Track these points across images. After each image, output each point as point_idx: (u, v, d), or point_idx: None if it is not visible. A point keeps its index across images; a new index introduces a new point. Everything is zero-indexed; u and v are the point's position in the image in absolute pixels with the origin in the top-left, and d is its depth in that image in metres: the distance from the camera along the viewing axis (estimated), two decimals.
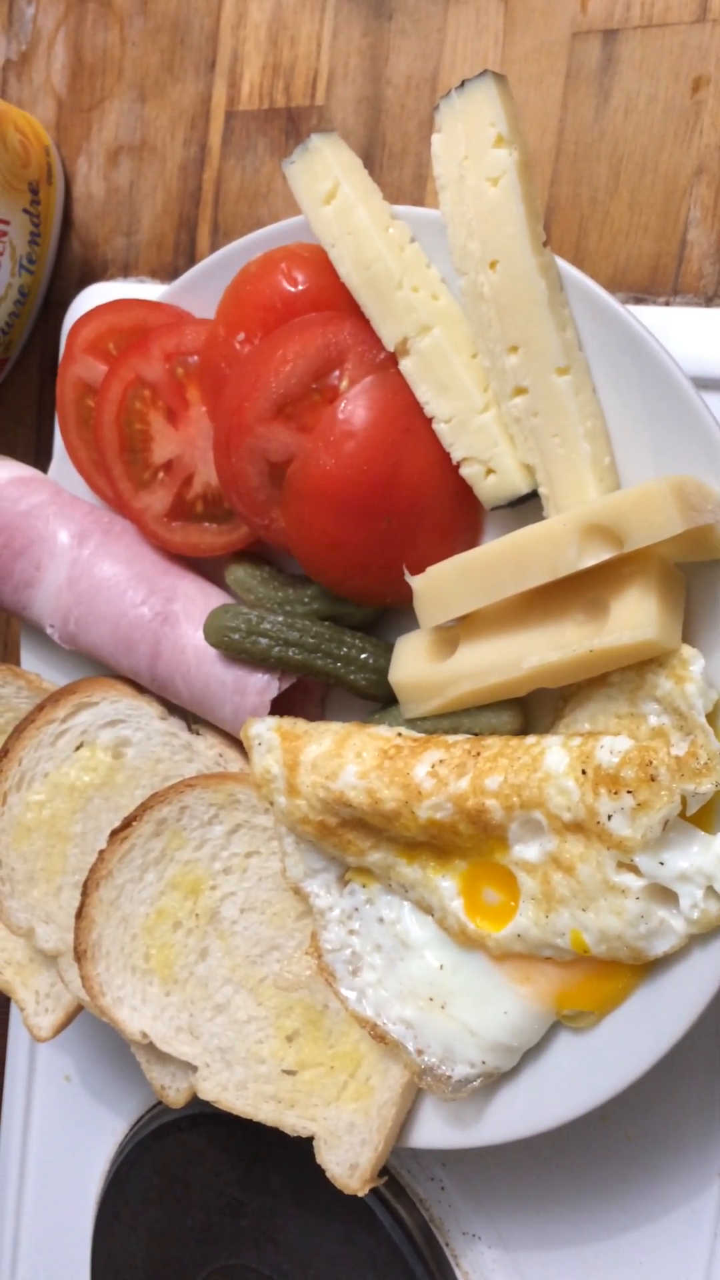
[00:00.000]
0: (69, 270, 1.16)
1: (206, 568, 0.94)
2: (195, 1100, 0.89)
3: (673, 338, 0.78)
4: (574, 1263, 0.88)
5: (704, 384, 0.77)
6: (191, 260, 1.08)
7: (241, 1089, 0.87)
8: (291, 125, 1.00)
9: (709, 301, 0.81)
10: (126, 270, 1.12)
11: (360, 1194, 0.82)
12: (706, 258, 0.81)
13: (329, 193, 0.78)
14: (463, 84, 0.72)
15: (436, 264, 0.78)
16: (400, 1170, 0.94)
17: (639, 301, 0.83)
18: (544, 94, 0.86)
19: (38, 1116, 1.16)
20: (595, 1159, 0.86)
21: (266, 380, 0.80)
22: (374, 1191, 0.91)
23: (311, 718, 0.89)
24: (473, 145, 0.72)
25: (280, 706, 0.88)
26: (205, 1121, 1.00)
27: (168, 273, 1.09)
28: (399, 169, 0.95)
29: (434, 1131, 0.83)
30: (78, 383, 0.93)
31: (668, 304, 0.82)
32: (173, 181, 1.08)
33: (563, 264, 0.73)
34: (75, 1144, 1.13)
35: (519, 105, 0.87)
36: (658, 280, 0.83)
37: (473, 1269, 0.92)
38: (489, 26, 0.89)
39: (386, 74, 0.95)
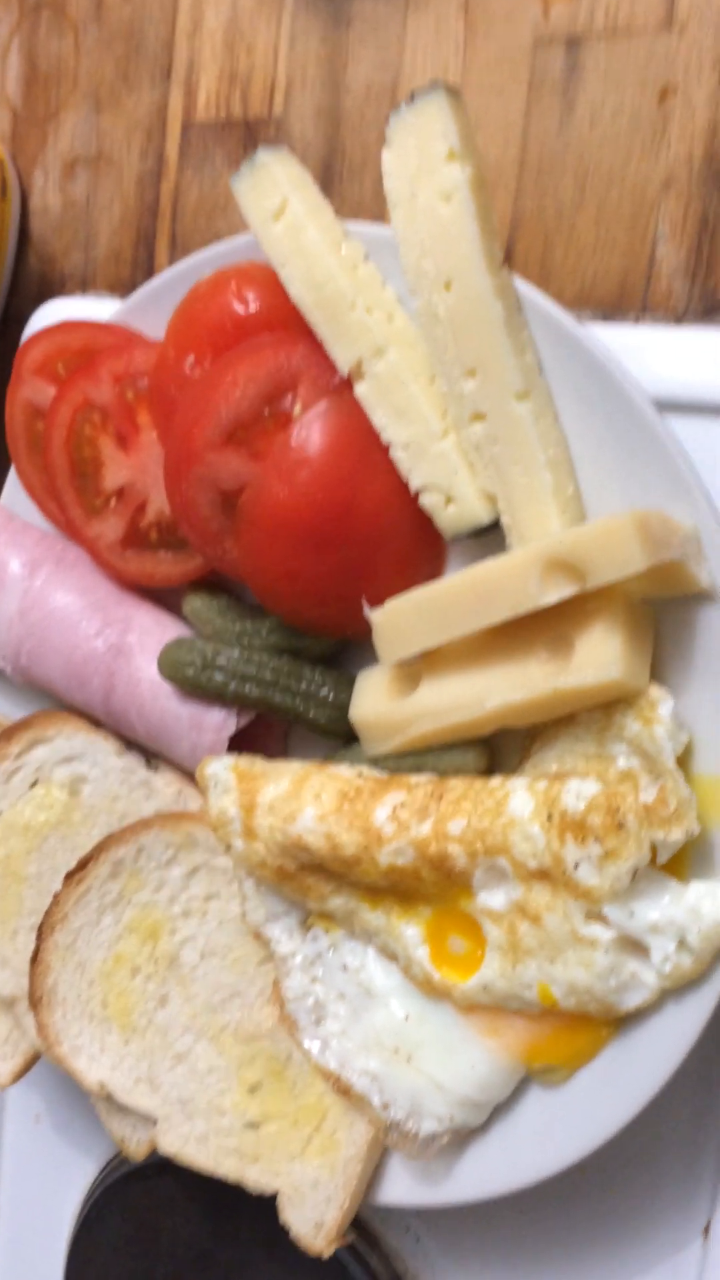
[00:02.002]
0: (27, 285, 1.13)
1: (164, 596, 0.90)
2: None
3: (642, 358, 0.74)
4: None
5: (673, 406, 0.74)
6: (150, 274, 1.04)
7: (203, 1142, 0.83)
8: (249, 136, 0.97)
9: (679, 320, 0.77)
10: (85, 285, 1.09)
11: (325, 1254, 0.79)
12: (676, 274, 0.77)
13: (278, 210, 0.75)
14: (413, 96, 0.69)
15: (392, 283, 0.75)
16: (373, 1221, 0.91)
17: (607, 319, 0.80)
18: (506, 104, 0.83)
19: (7, 1158, 1.13)
20: (575, 1213, 0.83)
21: (216, 405, 0.77)
22: (347, 1245, 0.88)
23: (273, 754, 0.85)
24: (424, 160, 0.69)
25: (241, 742, 0.85)
26: (174, 1169, 0.96)
27: (126, 288, 1.06)
28: (359, 182, 0.91)
29: (402, 1188, 0.80)
30: (27, 406, 0.89)
31: (637, 322, 0.79)
32: (130, 194, 1.04)
33: (522, 285, 0.69)
34: (45, 1187, 1.10)
35: (481, 116, 0.83)
36: (626, 297, 0.80)
37: None
38: (449, 34, 0.85)
39: (346, 83, 0.91)
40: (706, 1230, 0.78)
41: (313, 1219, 0.80)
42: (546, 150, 0.81)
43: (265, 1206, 0.82)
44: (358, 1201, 0.80)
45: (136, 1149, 0.87)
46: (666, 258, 0.78)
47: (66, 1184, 1.08)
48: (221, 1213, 0.96)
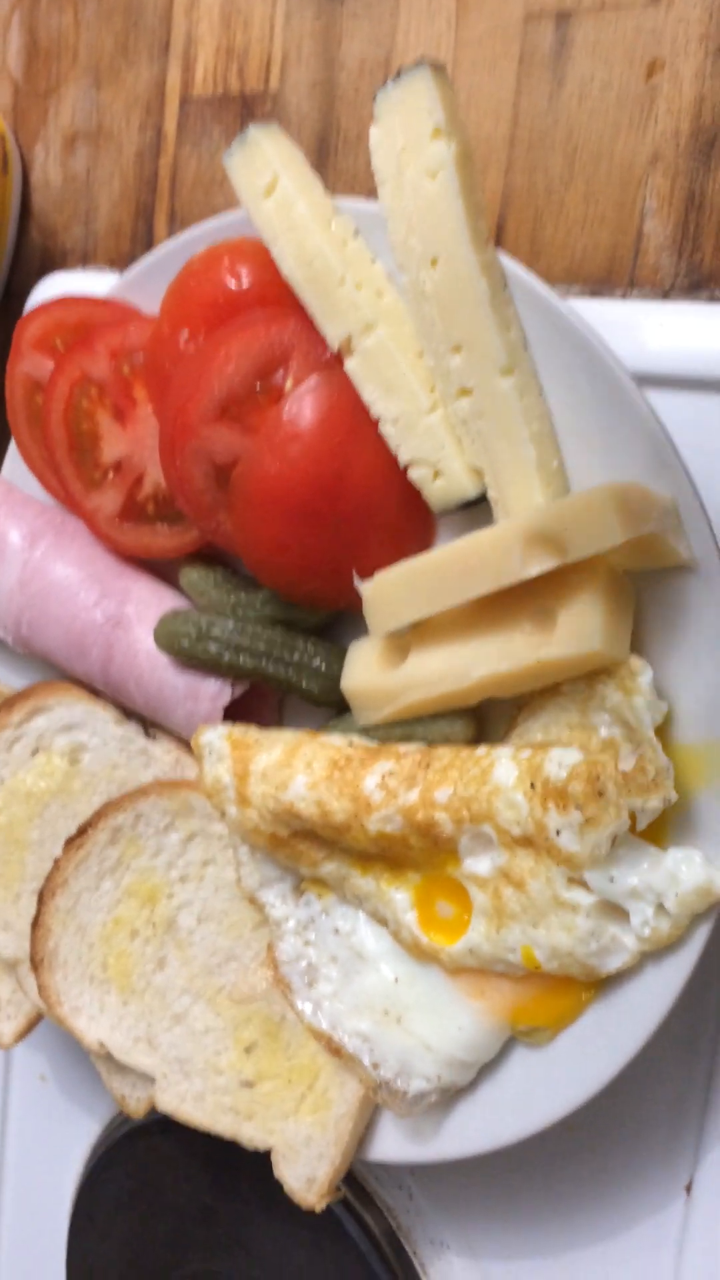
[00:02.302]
0: (29, 259, 1.14)
1: (161, 568, 0.92)
2: None
3: (628, 333, 0.75)
4: (542, 1272, 0.87)
5: (660, 381, 0.75)
6: (149, 249, 1.05)
7: (200, 1101, 0.86)
8: (246, 111, 0.97)
9: (666, 295, 0.78)
10: (85, 260, 1.10)
11: (317, 1209, 0.81)
12: (663, 249, 0.78)
13: (268, 186, 0.75)
14: (399, 73, 0.69)
15: (381, 259, 0.76)
16: (368, 1178, 0.94)
17: (595, 295, 0.80)
18: (497, 79, 0.83)
19: (14, 1117, 1.15)
20: (563, 1170, 0.85)
21: (209, 380, 0.78)
22: (341, 1200, 0.91)
23: (268, 723, 0.87)
24: (410, 137, 0.69)
25: (236, 712, 0.86)
26: (176, 1126, 0.99)
27: (126, 262, 1.07)
28: (353, 156, 0.92)
29: (393, 1145, 0.82)
30: (26, 380, 0.90)
31: (624, 297, 0.80)
32: (129, 169, 1.05)
33: (507, 261, 0.70)
34: (51, 1145, 1.13)
35: (472, 91, 0.84)
36: (614, 272, 0.80)
37: (440, 1277, 0.91)
38: (441, 8, 0.85)
39: (340, 58, 0.92)
40: (689, 1187, 0.80)
41: (305, 1175, 0.82)
42: (536, 125, 0.82)
43: (264, 1163, 0.85)
44: (349, 1158, 0.82)
45: (136, 1107, 0.90)
46: (654, 232, 0.78)
47: (71, 1142, 1.10)
48: (222, 1169, 0.98)
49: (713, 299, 0.77)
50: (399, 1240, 0.92)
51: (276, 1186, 0.84)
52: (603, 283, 0.80)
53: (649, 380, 0.73)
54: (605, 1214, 0.84)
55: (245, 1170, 0.96)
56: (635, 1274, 0.83)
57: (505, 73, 0.82)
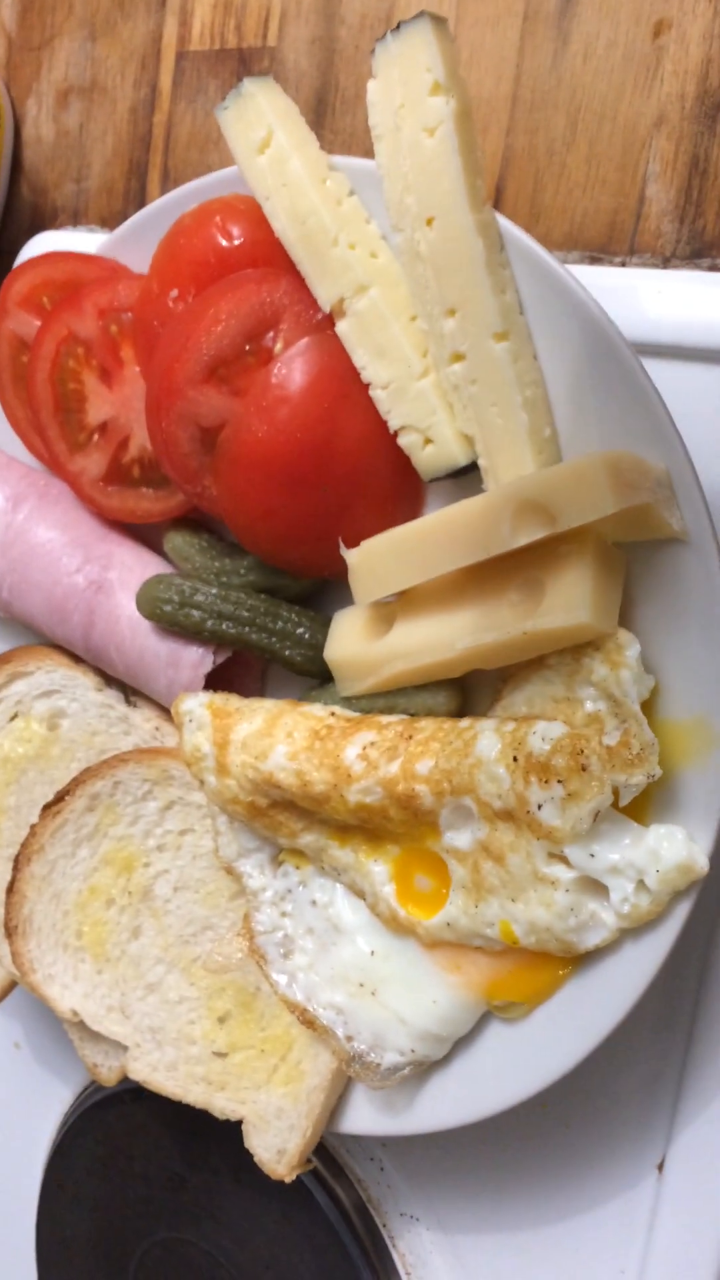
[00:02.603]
0: (19, 217, 1.12)
1: (146, 533, 0.90)
2: None
3: (626, 300, 0.74)
4: (512, 1247, 0.87)
5: (659, 350, 0.74)
6: (142, 208, 1.03)
7: (172, 1070, 0.85)
8: (243, 67, 0.95)
9: (666, 262, 0.77)
10: (76, 218, 1.08)
11: (287, 1180, 0.81)
12: (665, 215, 0.76)
13: (263, 141, 0.74)
14: (399, 26, 0.67)
15: (377, 219, 0.74)
16: (339, 1149, 0.93)
17: (595, 261, 0.79)
18: (500, 36, 0.81)
19: None
20: (535, 1145, 0.85)
21: (197, 340, 0.76)
22: (312, 1171, 0.90)
23: (250, 692, 0.86)
24: (409, 93, 0.67)
25: (218, 680, 0.85)
26: (148, 1095, 0.98)
27: (118, 220, 1.05)
28: (352, 114, 0.90)
29: (365, 1118, 0.81)
30: (12, 338, 0.89)
31: (624, 264, 0.78)
32: (123, 125, 1.03)
33: (504, 222, 0.68)
34: (23, 1112, 1.12)
35: (474, 49, 0.82)
36: (614, 238, 0.79)
37: (410, 1250, 0.91)
38: None
39: (340, 13, 0.89)
40: (661, 1166, 0.79)
41: (276, 1145, 0.81)
42: (539, 85, 0.80)
43: (234, 1133, 0.84)
44: (320, 1130, 0.81)
45: (108, 1075, 0.89)
46: (656, 197, 0.77)
47: (44, 1109, 1.10)
48: (192, 1138, 0.98)
49: (714, 267, 0.75)
50: (369, 1212, 0.92)
51: (247, 1156, 0.83)
52: (603, 249, 0.79)
53: (647, 349, 0.72)
54: (577, 1190, 0.84)
55: (216, 1140, 0.96)
56: (605, 1250, 0.83)
57: (509, 29, 0.81)
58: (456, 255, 0.68)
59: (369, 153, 0.88)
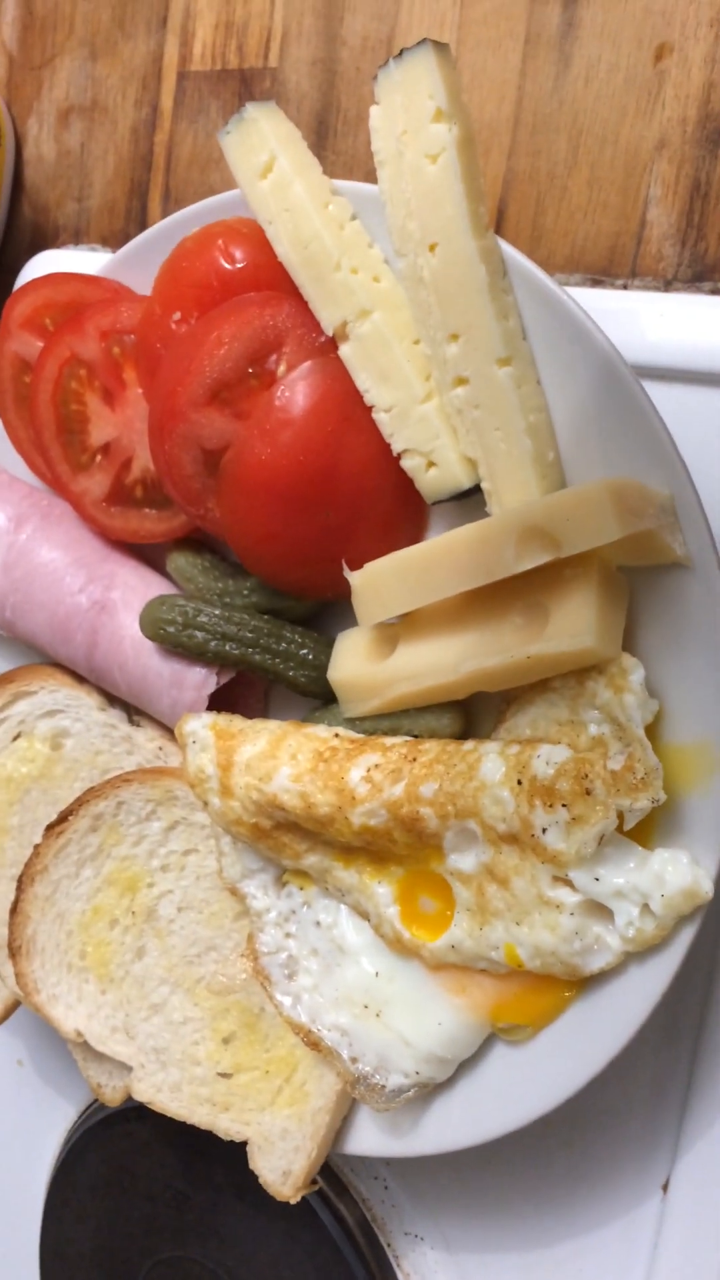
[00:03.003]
0: (20, 235, 1.12)
1: (148, 553, 0.90)
2: None
3: (628, 323, 0.74)
4: (517, 1267, 0.87)
5: (660, 374, 0.74)
6: (143, 227, 1.03)
7: (176, 1091, 0.85)
8: (244, 88, 0.96)
9: (667, 286, 0.77)
10: (78, 237, 1.08)
11: (292, 1201, 0.81)
12: (666, 238, 0.77)
13: (265, 166, 0.74)
14: (401, 53, 0.68)
15: (379, 243, 0.74)
16: (343, 1168, 0.93)
17: (596, 284, 0.79)
18: (502, 59, 0.82)
19: None
20: (540, 1165, 0.85)
21: (201, 363, 0.76)
22: (316, 1190, 0.90)
23: (253, 713, 0.86)
24: (411, 119, 0.68)
25: (221, 700, 0.85)
26: (151, 1113, 0.98)
27: (119, 240, 1.05)
28: (353, 136, 0.90)
29: (369, 1139, 0.81)
30: (15, 359, 0.89)
31: (625, 287, 0.78)
32: (124, 144, 1.03)
33: (507, 248, 0.69)
34: (27, 1130, 1.12)
35: (476, 71, 0.82)
36: (616, 261, 0.79)
37: (414, 1270, 0.91)
38: None
39: (341, 34, 0.90)
40: (666, 1186, 0.79)
41: (281, 1167, 0.81)
42: (541, 108, 0.80)
43: (238, 1152, 0.84)
44: (325, 1151, 0.81)
45: (112, 1096, 0.89)
46: (658, 221, 0.77)
47: (47, 1127, 1.10)
48: (196, 1157, 0.98)
49: (716, 291, 0.76)
50: (373, 1232, 0.92)
51: (251, 1175, 0.83)
52: (604, 272, 0.79)
53: (649, 372, 0.72)
54: (581, 1211, 0.84)
55: (220, 1158, 0.96)
56: (610, 1271, 0.83)
57: (510, 53, 0.81)
58: (459, 281, 0.68)
59: (370, 175, 0.88)
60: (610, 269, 0.79)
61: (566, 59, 0.80)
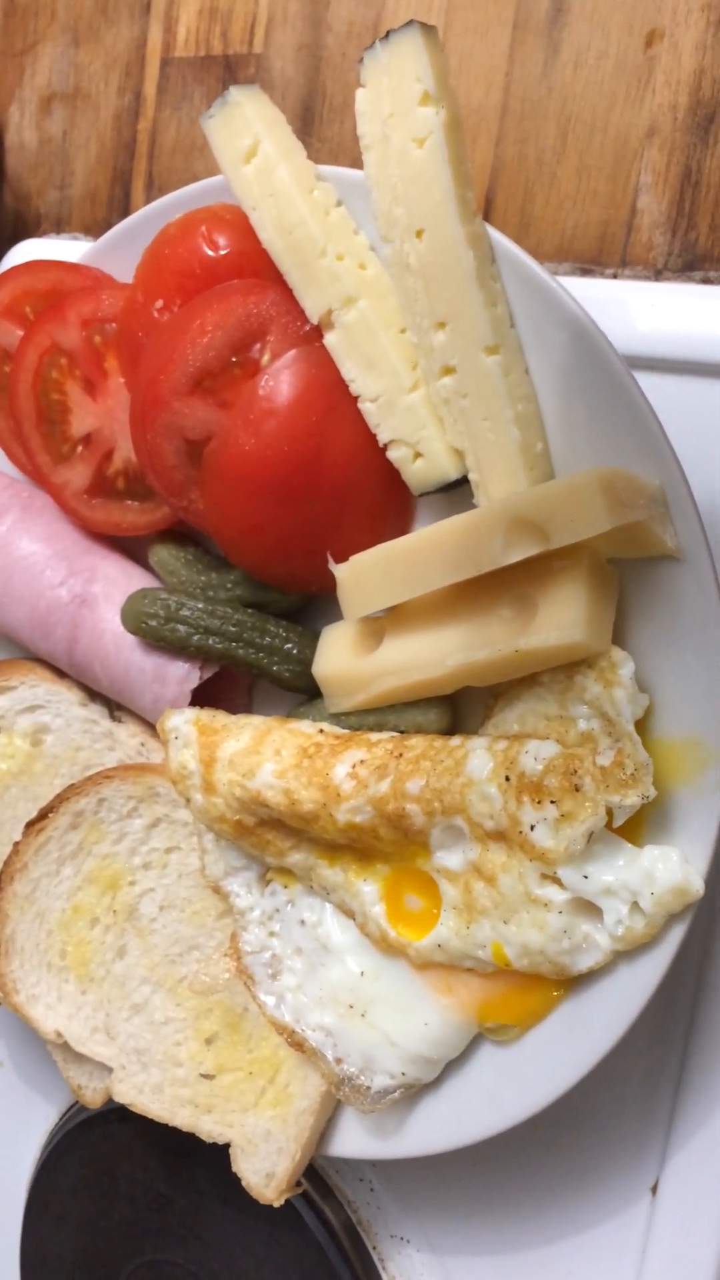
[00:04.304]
0: (2, 224, 1.10)
1: (130, 546, 0.89)
2: None
3: (618, 312, 0.73)
4: (504, 1270, 0.86)
5: (650, 364, 0.73)
6: (126, 215, 1.01)
7: (158, 1092, 0.83)
8: (229, 74, 0.94)
9: (658, 274, 0.76)
10: (60, 226, 1.07)
11: (276, 1204, 0.80)
12: (657, 226, 0.76)
13: (249, 151, 0.73)
14: (388, 35, 0.66)
15: (365, 230, 0.73)
16: (328, 1170, 0.92)
17: (586, 273, 0.78)
18: (490, 45, 0.80)
19: None
20: (528, 1167, 0.84)
21: (183, 352, 0.75)
22: (301, 1192, 0.89)
23: (237, 708, 0.85)
24: (398, 103, 0.66)
25: (204, 695, 0.84)
26: (133, 1115, 0.97)
27: (102, 228, 1.04)
28: (339, 123, 0.89)
29: (354, 1141, 0.80)
30: None
31: (615, 276, 0.77)
32: (107, 132, 1.02)
33: (495, 234, 0.67)
34: (7, 1131, 1.11)
35: (464, 57, 0.81)
36: (606, 250, 0.78)
37: (400, 1273, 0.90)
38: None
39: (327, 20, 0.88)
40: (654, 1189, 0.79)
41: (264, 1169, 0.80)
42: (530, 94, 0.79)
43: (221, 1154, 0.83)
44: (309, 1153, 0.80)
45: (93, 1097, 0.88)
46: (648, 209, 0.76)
47: (29, 1128, 1.08)
48: (178, 1159, 0.96)
49: (707, 280, 0.75)
50: (359, 1234, 0.91)
51: (234, 1177, 0.82)
52: (594, 261, 0.78)
53: (639, 362, 0.71)
54: (569, 1213, 0.83)
55: (203, 1160, 0.95)
56: (598, 1274, 0.82)
57: (499, 38, 0.80)
58: (447, 268, 0.67)
59: (356, 161, 0.87)
60: (600, 258, 0.78)
61: (555, 45, 0.78)
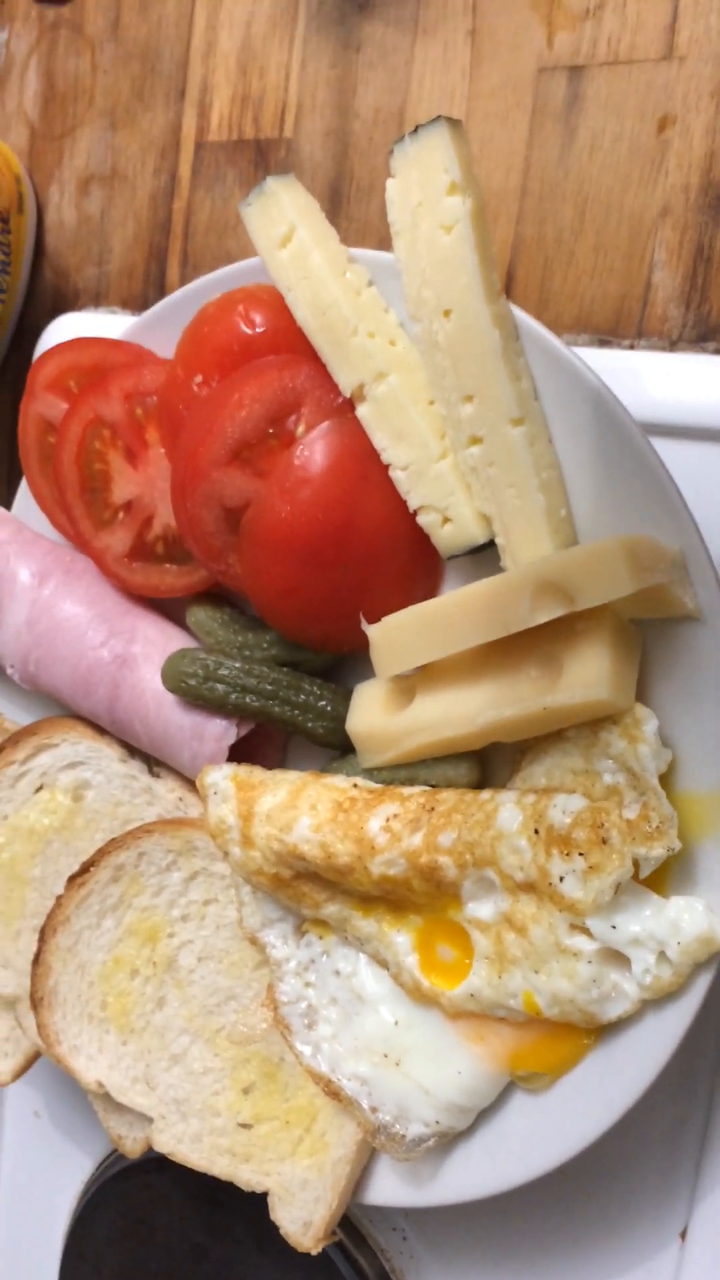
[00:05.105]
0: (41, 299, 1.15)
1: (169, 607, 0.92)
2: None
3: (635, 383, 0.76)
4: None
5: (666, 431, 0.76)
6: (162, 291, 1.06)
7: (197, 1141, 0.85)
8: (260, 157, 0.99)
9: (673, 345, 0.79)
10: (98, 300, 1.11)
11: (313, 1252, 0.81)
12: (671, 300, 0.79)
13: (284, 236, 0.77)
14: (416, 129, 0.71)
15: (395, 308, 0.77)
16: (361, 1219, 0.93)
17: (604, 344, 0.82)
18: (510, 131, 0.85)
19: (7, 1152, 1.15)
20: (558, 1214, 0.85)
21: (222, 424, 0.79)
22: (336, 1241, 0.90)
23: (273, 763, 0.87)
24: (426, 192, 0.70)
25: (241, 752, 0.87)
26: (170, 1165, 0.98)
27: (138, 303, 1.08)
28: (366, 204, 0.93)
29: (389, 1189, 0.81)
30: (39, 420, 0.91)
31: (632, 347, 0.81)
32: (143, 211, 1.07)
33: (519, 313, 0.71)
34: (43, 1181, 1.12)
35: (485, 142, 0.85)
36: (622, 323, 0.81)
37: None
38: (456, 60, 0.87)
39: (354, 107, 0.93)
40: (683, 1234, 0.80)
41: (302, 1218, 0.82)
42: (548, 177, 0.83)
43: (257, 1203, 0.84)
44: (345, 1201, 0.82)
45: (132, 1147, 0.89)
46: (662, 284, 0.80)
47: (64, 1178, 1.10)
48: (215, 1209, 0.97)
49: (719, 351, 0.78)
50: None
51: (269, 1226, 0.83)
52: (611, 333, 0.82)
53: (656, 429, 0.74)
54: (599, 1260, 0.84)
55: (238, 1209, 0.96)
56: None
57: (518, 124, 0.84)
58: (473, 345, 0.70)
59: (383, 239, 0.91)
60: (617, 330, 0.82)
61: (572, 130, 0.83)
